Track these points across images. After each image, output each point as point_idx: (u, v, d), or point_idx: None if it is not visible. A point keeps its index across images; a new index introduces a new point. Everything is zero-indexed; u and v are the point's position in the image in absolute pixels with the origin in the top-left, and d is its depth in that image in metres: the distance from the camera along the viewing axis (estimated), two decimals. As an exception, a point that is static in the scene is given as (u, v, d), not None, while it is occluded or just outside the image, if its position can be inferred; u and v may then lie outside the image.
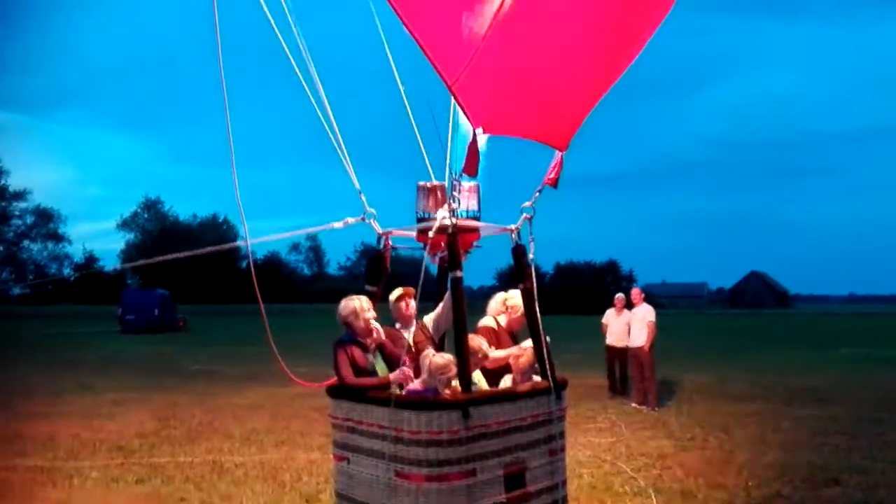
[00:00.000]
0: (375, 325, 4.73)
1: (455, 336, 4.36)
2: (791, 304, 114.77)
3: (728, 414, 10.49)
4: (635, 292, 11.52)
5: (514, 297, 5.22)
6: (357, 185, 4.89)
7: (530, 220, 4.64)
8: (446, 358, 4.33)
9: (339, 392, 4.60)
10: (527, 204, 4.64)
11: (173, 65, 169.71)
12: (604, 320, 12.23)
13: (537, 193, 4.65)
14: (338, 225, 5.00)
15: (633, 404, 11.03)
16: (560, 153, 4.60)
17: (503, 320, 5.35)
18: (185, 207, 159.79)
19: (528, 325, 4.77)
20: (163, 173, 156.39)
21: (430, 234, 4.48)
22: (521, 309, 4.99)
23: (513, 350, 5.03)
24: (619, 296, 12.15)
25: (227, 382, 14.69)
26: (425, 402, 4.15)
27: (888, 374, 16.18)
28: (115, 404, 11.56)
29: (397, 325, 5.05)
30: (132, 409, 11.06)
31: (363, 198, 4.86)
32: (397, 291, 5.08)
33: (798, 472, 6.99)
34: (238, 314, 60.09)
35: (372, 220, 4.87)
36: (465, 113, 4.12)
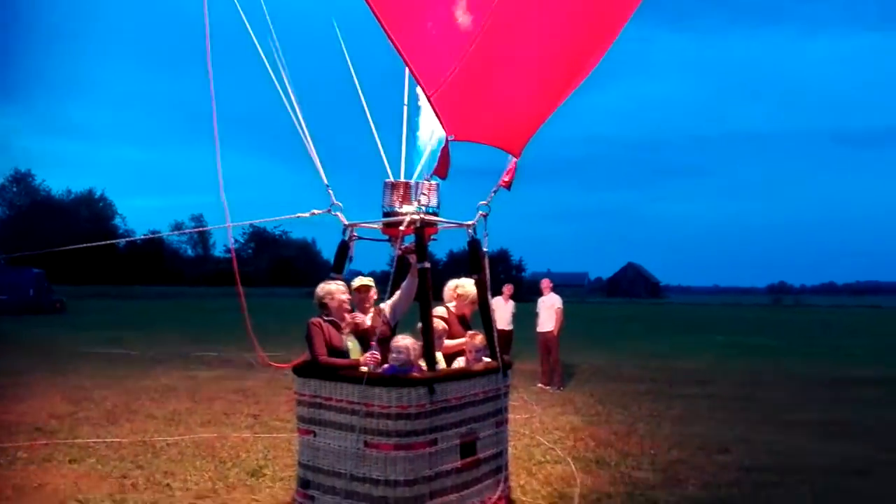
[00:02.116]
0: (361, 317, 5.15)
1: (422, 320, 4.83)
2: (662, 294, 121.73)
3: (624, 393, 11.57)
4: (545, 283, 12.33)
5: (465, 284, 5.73)
6: (325, 180, 5.28)
7: (486, 217, 5.17)
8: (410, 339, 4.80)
9: (306, 371, 4.97)
10: (483, 203, 5.17)
11: (46, 34, 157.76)
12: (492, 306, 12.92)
13: (492, 194, 5.18)
14: (304, 215, 5.39)
15: (539, 384, 11.87)
16: (515, 159, 5.15)
17: (453, 306, 5.84)
18: (59, 182, 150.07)
19: (480, 311, 5.33)
20: (34, 146, 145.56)
21: (402, 227, 4.92)
22: (471, 295, 5.54)
23: (461, 341, 5.53)
24: (508, 286, 12.85)
25: (131, 366, 14.42)
26: (395, 378, 4.61)
27: (756, 359, 18.03)
28: (19, 386, 11.21)
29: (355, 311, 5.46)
30: (38, 392, 10.76)
31: (331, 191, 5.26)
32: (359, 281, 5.47)
33: (692, 442, 7.94)
34: (116, 297, 57.49)
35: (338, 213, 5.27)
36: (440, 121, 4.58)
